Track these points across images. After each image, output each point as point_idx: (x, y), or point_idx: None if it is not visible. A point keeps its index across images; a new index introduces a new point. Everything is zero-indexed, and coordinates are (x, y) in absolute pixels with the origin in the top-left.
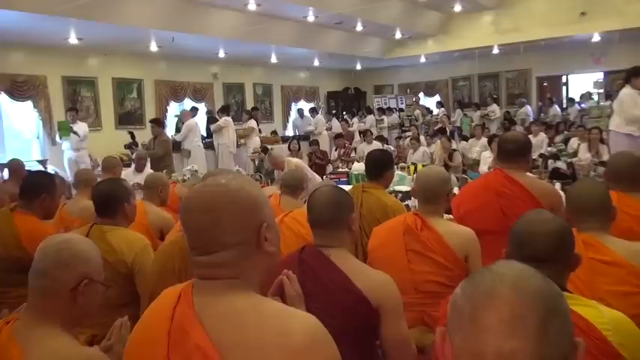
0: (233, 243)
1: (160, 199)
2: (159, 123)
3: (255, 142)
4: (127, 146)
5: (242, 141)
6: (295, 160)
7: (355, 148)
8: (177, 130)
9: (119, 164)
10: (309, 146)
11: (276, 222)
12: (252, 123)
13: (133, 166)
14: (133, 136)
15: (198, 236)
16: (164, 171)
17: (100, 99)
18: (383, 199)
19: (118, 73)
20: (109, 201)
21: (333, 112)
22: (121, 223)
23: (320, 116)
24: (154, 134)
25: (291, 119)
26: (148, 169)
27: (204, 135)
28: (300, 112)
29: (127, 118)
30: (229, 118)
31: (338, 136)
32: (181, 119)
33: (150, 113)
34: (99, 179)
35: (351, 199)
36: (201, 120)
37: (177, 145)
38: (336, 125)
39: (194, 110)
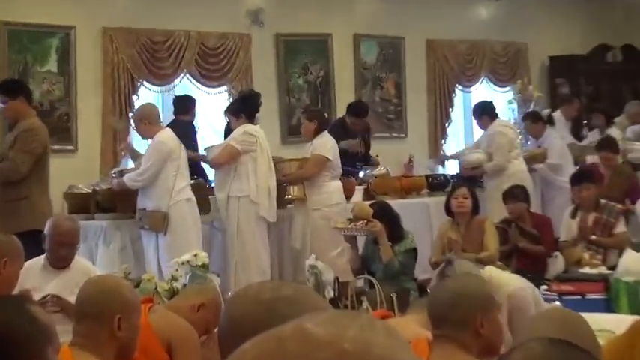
0: None
1: (115, 346)
2: (16, 89)
3: (331, 192)
4: None
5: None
6: None
7: (627, 212)
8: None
9: (14, 248)
10: (503, 201)
11: None
12: (324, 142)
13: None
14: None
15: None
16: (124, 267)
17: None
18: None
19: (17, 14)
20: None
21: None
22: None
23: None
24: (10, 118)
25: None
26: (83, 262)
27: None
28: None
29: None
30: (255, 128)
31: (582, 176)
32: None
33: (87, 108)
34: None
35: None
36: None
37: (129, 197)
38: (561, 145)
39: (184, 103)
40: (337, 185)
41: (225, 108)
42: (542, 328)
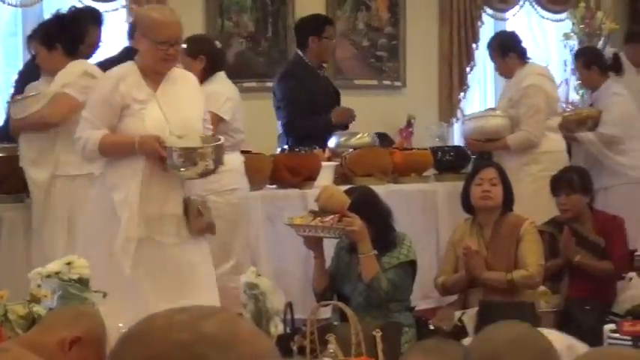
0: None
1: None
2: None
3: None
4: None
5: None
6: None
7: None
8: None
9: None
10: (552, 192)
11: None
12: (217, 91)
13: None
14: None
15: None
16: None
17: None
18: None
19: None
20: None
21: None
22: None
23: None
24: None
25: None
26: None
27: None
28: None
29: None
30: (94, 67)
31: None
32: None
33: None
34: None
35: None
36: None
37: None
38: (626, 109)
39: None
40: (235, 160)
41: (30, 33)
42: None
